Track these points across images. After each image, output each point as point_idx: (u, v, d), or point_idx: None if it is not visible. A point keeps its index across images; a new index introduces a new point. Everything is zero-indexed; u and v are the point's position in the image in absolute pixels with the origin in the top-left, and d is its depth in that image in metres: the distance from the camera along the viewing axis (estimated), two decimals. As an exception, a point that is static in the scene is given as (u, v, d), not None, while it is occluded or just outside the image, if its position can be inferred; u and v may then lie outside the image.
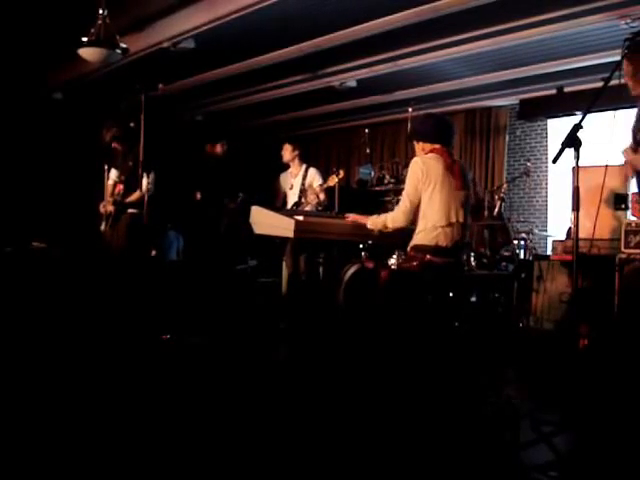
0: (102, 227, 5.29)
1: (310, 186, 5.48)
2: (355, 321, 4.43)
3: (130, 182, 5.07)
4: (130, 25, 5.62)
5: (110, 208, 5.20)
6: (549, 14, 5.09)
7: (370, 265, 4.87)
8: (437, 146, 3.52)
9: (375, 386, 3.20)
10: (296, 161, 5.63)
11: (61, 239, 6.54)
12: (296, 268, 5.25)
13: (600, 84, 2.60)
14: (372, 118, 9.09)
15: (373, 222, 3.68)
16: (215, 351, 4.09)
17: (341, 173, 5.11)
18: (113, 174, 5.33)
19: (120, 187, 5.21)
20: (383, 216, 3.66)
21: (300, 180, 5.56)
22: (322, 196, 5.34)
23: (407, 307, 3.43)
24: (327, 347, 4.20)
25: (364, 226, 3.74)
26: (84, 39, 4.85)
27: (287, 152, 5.63)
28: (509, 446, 2.47)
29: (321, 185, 5.37)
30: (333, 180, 5.13)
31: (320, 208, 5.35)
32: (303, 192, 5.50)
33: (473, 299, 4.95)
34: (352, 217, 3.93)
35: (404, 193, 3.51)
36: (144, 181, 4.72)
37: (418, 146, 3.62)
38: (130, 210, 5.12)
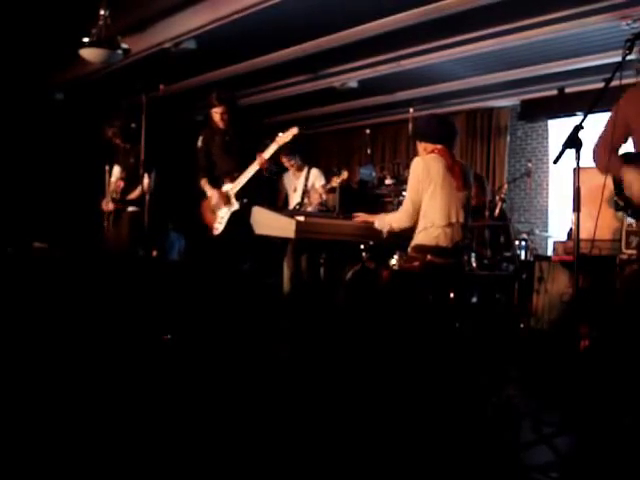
0: (105, 224, 5.29)
1: (313, 187, 5.47)
2: (356, 322, 4.43)
3: (132, 179, 5.07)
4: (131, 26, 5.64)
5: (111, 207, 5.19)
6: (550, 15, 5.09)
7: (371, 265, 4.87)
8: (439, 146, 3.53)
9: (376, 386, 3.20)
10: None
11: (62, 240, 6.54)
12: (297, 268, 5.24)
13: (601, 85, 2.60)
14: (373, 119, 9.09)
15: (380, 222, 3.67)
16: (216, 351, 4.09)
17: (345, 174, 5.08)
18: (116, 170, 5.31)
19: (121, 184, 5.22)
20: (389, 217, 3.67)
21: (303, 181, 5.54)
22: (325, 197, 5.32)
23: (408, 308, 3.44)
24: (328, 347, 4.20)
25: (368, 226, 3.74)
26: (85, 40, 4.87)
27: (289, 165, 5.54)
28: (509, 446, 2.47)
29: (323, 185, 5.36)
30: (336, 181, 5.11)
31: (324, 209, 5.33)
32: (306, 193, 5.48)
33: (474, 300, 4.95)
34: (361, 217, 3.91)
35: (406, 194, 3.53)
36: (145, 179, 4.73)
37: (420, 146, 3.63)
38: (131, 208, 5.12)
